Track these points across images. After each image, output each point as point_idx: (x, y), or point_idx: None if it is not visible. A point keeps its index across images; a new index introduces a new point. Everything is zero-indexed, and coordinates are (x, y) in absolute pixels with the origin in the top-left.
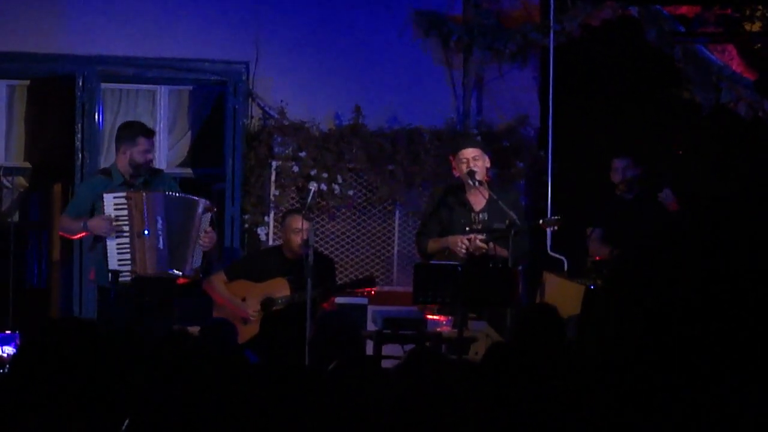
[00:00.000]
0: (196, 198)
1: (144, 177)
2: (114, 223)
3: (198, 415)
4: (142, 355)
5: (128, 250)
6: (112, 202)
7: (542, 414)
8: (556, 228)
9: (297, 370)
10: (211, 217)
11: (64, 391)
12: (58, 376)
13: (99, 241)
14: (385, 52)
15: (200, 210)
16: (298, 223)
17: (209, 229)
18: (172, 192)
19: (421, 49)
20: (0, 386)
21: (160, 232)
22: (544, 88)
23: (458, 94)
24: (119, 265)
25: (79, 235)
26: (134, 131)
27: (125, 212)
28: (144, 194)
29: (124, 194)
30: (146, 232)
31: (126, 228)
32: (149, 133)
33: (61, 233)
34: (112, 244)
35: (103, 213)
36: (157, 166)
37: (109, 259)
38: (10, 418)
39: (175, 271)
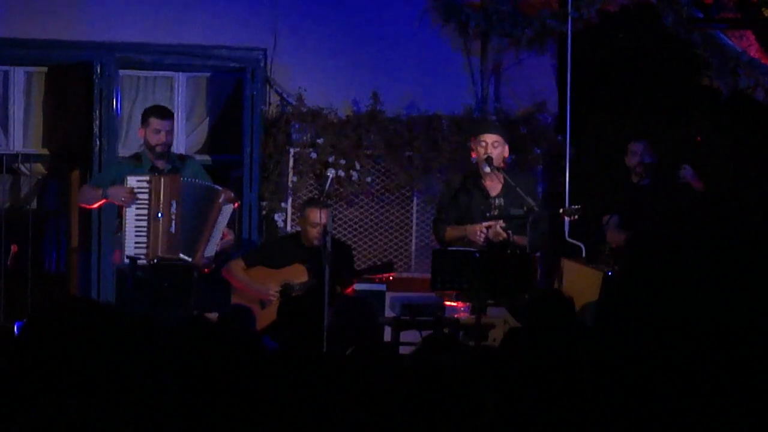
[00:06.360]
0: (219, 188)
1: (172, 164)
2: (134, 196)
3: (216, 401)
4: (159, 341)
5: (145, 234)
6: (135, 185)
7: (560, 400)
8: (576, 217)
9: (315, 356)
10: (233, 209)
11: (76, 375)
12: (69, 360)
13: (121, 218)
14: (403, 38)
15: (221, 200)
16: (316, 216)
17: (228, 230)
18: (196, 179)
19: (439, 36)
20: (8, 366)
21: (173, 216)
22: (562, 75)
23: (476, 80)
24: (136, 248)
25: (96, 204)
26: (148, 112)
27: (146, 195)
28: (163, 178)
29: (146, 178)
30: (160, 214)
31: (145, 212)
32: (162, 114)
33: (80, 204)
34: (131, 228)
35: None
36: (175, 152)
37: (126, 243)
38: (18, 400)
39: (184, 257)
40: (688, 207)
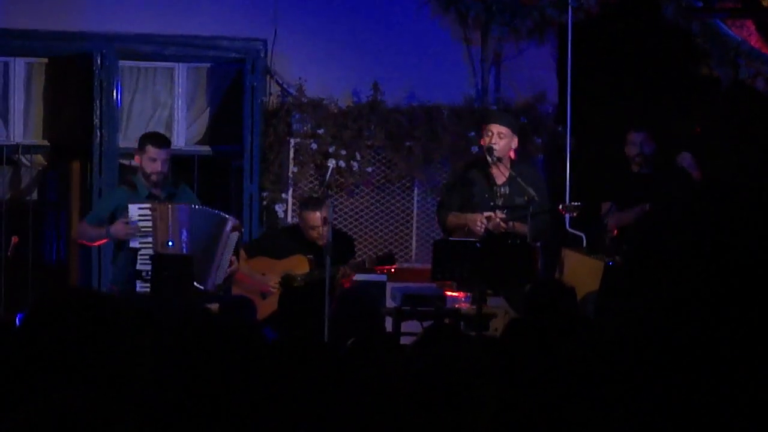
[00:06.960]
0: (226, 215)
1: (167, 191)
2: (138, 230)
3: (216, 391)
4: (160, 332)
5: (150, 263)
6: (137, 213)
7: (561, 390)
8: (575, 214)
9: (316, 347)
10: (239, 237)
11: (77, 367)
12: (71, 351)
13: (120, 249)
14: (404, 28)
15: (228, 228)
16: (313, 219)
17: (233, 258)
18: (198, 206)
19: (440, 26)
20: (9, 358)
21: (184, 244)
22: (562, 65)
23: (476, 70)
24: (141, 264)
25: (98, 242)
26: (145, 139)
27: (149, 223)
28: (169, 206)
29: (149, 205)
30: (170, 243)
31: (150, 240)
32: (159, 143)
33: (79, 241)
34: (137, 248)
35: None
36: (174, 145)
37: (139, 262)
38: (19, 393)
39: (197, 284)
40: (687, 197)
